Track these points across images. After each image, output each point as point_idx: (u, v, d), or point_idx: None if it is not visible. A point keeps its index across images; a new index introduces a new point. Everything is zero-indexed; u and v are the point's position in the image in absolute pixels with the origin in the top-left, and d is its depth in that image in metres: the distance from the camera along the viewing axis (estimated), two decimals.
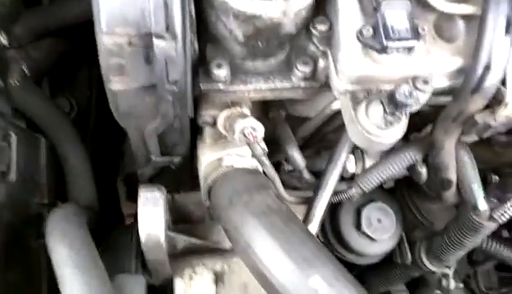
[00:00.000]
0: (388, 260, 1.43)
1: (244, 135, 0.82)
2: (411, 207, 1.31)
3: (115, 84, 0.71)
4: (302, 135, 1.02)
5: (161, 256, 0.74)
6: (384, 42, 0.69)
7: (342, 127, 1.01)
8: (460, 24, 0.78)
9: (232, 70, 0.80)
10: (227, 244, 0.93)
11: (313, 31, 0.79)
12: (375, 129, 0.73)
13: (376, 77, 0.76)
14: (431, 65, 0.77)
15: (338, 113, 0.94)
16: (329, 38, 0.79)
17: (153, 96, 0.74)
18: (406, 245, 1.34)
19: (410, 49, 0.71)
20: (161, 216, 0.71)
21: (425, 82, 0.75)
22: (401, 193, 1.33)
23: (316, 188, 0.98)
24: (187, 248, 0.85)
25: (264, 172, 0.88)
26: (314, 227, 0.96)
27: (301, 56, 0.82)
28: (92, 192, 1.04)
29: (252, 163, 0.89)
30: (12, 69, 0.88)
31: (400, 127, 0.75)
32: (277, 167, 1.03)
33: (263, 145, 0.88)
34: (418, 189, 1.26)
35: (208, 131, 0.94)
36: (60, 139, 1.03)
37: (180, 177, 1.12)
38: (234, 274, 0.86)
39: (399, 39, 0.69)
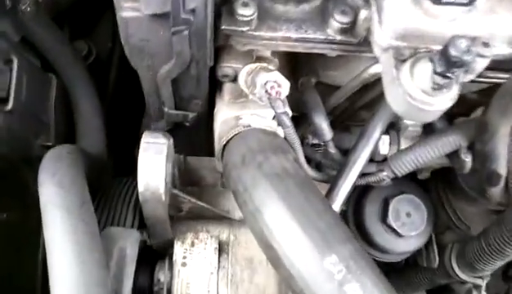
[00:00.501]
0: (413, 262, 1.30)
1: (266, 91, 0.73)
2: (446, 206, 1.18)
3: (127, 11, 0.63)
4: (332, 105, 0.92)
5: (160, 211, 0.65)
6: None
7: (377, 100, 0.91)
8: None
9: (260, 13, 0.70)
10: (237, 214, 0.84)
11: None
12: (419, 93, 0.62)
13: (426, 34, 0.64)
14: (493, 26, 0.65)
15: (374, 82, 0.83)
16: None
17: (167, 29, 0.65)
18: (435, 247, 1.21)
19: (470, 2, 0.59)
20: (162, 165, 0.63)
21: (485, 44, 0.63)
22: (436, 189, 1.20)
23: (343, 166, 0.87)
24: (193, 212, 0.76)
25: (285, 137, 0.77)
26: (335, 209, 0.85)
27: (340, 5, 0.71)
28: (100, 140, 0.97)
29: (272, 125, 0.80)
30: None
31: (450, 95, 0.63)
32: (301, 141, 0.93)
33: (287, 107, 0.78)
34: (456, 187, 1.13)
35: (227, 87, 0.85)
36: (71, 80, 0.96)
37: (195, 139, 1.03)
38: (240, 246, 0.76)
39: None
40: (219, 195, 0.88)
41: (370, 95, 0.88)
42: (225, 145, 0.79)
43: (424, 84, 0.62)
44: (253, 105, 0.82)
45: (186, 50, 0.69)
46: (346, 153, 0.95)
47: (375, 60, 0.80)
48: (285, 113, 0.73)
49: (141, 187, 0.62)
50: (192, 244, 0.72)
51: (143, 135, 0.65)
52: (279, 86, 0.73)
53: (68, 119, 1.00)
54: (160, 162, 0.63)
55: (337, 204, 0.87)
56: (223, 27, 0.70)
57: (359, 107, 0.96)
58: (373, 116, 0.89)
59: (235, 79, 0.84)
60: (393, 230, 1.08)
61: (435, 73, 0.59)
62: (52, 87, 0.92)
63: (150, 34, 0.67)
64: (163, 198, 0.63)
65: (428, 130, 0.90)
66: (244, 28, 0.70)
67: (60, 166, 0.62)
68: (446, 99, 0.63)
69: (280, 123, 0.75)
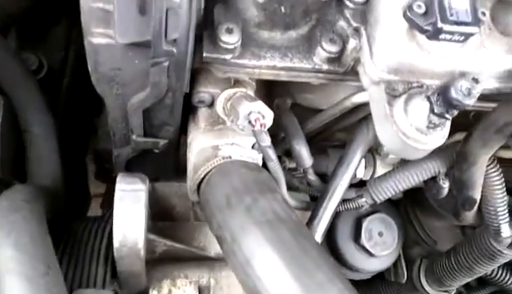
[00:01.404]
0: (379, 277, 1.31)
1: (250, 122, 0.68)
2: (414, 222, 1.20)
3: (97, 37, 0.55)
4: (309, 129, 0.88)
5: (137, 265, 0.58)
6: (439, 23, 0.56)
7: (359, 125, 0.89)
8: None
9: (243, 40, 0.65)
10: (214, 251, 0.78)
11: (347, 2, 0.65)
12: (413, 132, 0.60)
13: (419, 68, 0.63)
14: (483, 62, 0.64)
15: (357, 107, 0.80)
16: (364, 13, 0.65)
17: (144, 58, 0.58)
18: (403, 263, 1.23)
19: (467, 37, 0.58)
20: (142, 216, 0.56)
21: (475, 80, 0.62)
22: (404, 205, 1.22)
23: (323, 193, 0.85)
24: (167, 254, 0.69)
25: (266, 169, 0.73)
26: (317, 239, 0.82)
27: (327, 33, 0.67)
28: (56, 169, 0.87)
29: (253, 156, 0.75)
30: None
31: (443, 133, 0.62)
32: None
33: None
34: (424, 204, 1.15)
35: (202, 113, 0.79)
36: (21, 102, 0.85)
37: (162, 164, 0.96)
38: (222, 291, 0.70)
39: (457, 23, 0.56)
40: (193, 230, 0.81)
41: (350, 120, 0.85)
42: (203, 178, 0.73)
43: (419, 123, 0.60)
44: (231, 133, 0.76)
45: (164, 80, 0.62)
46: (323, 177, 0.93)
47: (358, 89, 0.78)
48: (270, 146, 0.68)
49: (116, 242, 0.54)
50: (169, 292, 0.65)
51: (117, 181, 0.58)
52: (263, 117, 0.68)
53: (15, 145, 0.89)
54: (139, 213, 0.56)
55: (319, 234, 0.84)
56: (205, 55, 0.64)
57: (336, 130, 0.93)
58: (352, 141, 0.87)
59: (211, 104, 0.78)
60: (366, 250, 1.07)
61: (433, 113, 0.57)
62: None
63: (124, 63, 0.59)
64: (142, 252, 0.57)
65: None
66: (227, 56, 0.64)
67: (16, 220, 0.53)
68: (439, 137, 0.62)
69: (264, 157, 0.70)
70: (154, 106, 0.70)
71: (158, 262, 0.70)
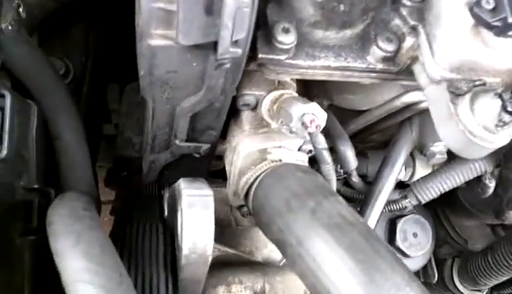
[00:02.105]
0: None
1: (304, 124, 0.65)
2: (444, 222, 1.18)
3: (156, 39, 0.53)
4: (351, 130, 0.86)
5: (202, 272, 0.56)
6: (510, 19, 0.54)
7: (402, 125, 0.87)
8: None
9: (297, 40, 0.63)
10: (261, 256, 0.76)
11: (403, 0, 0.63)
12: (481, 130, 0.58)
13: (482, 66, 0.61)
14: None
15: (403, 108, 0.79)
16: (421, 11, 0.63)
17: (202, 60, 0.56)
18: (433, 263, 1.22)
19: None
20: (211, 223, 0.53)
21: None
22: (434, 205, 1.20)
23: (368, 196, 0.83)
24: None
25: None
26: None
27: (383, 31, 0.65)
28: (91, 177, 0.84)
29: (303, 159, 0.73)
30: (6, 8, 0.66)
31: (509, 132, 0.60)
32: None
33: None
34: (454, 203, 1.13)
35: (247, 116, 0.77)
36: (53, 108, 0.82)
37: (196, 169, 0.94)
38: None
39: None
40: (238, 235, 0.79)
41: (393, 120, 0.84)
42: (252, 182, 0.71)
43: (488, 121, 0.58)
44: (277, 136, 0.74)
45: (220, 83, 0.60)
46: (364, 180, 0.91)
47: (404, 88, 0.76)
48: (327, 148, 0.66)
49: (186, 249, 0.52)
50: None
51: (181, 186, 0.55)
52: (317, 118, 0.66)
53: (47, 153, 0.86)
54: (209, 220, 0.54)
55: None
56: (260, 55, 0.61)
57: (374, 131, 0.92)
58: (395, 142, 0.85)
59: (255, 107, 0.76)
60: (401, 251, 1.05)
61: (505, 111, 0.55)
62: (33, 117, 0.77)
63: (181, 66, 0.57)
64: (210, 259, 0.54)
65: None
66: (283, 57, 0.62)
67: (82, 230, 0.50)
68: (506, 135, 0.60)
69: (319, 160, 0.68)
70: (203, 110, 0.67)
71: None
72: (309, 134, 0.65)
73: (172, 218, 0.79)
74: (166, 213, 1.05)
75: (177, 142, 0.76)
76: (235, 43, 0.53)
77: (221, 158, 0.98)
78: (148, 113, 0.71)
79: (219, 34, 0.50)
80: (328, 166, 0.68)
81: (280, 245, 0.60)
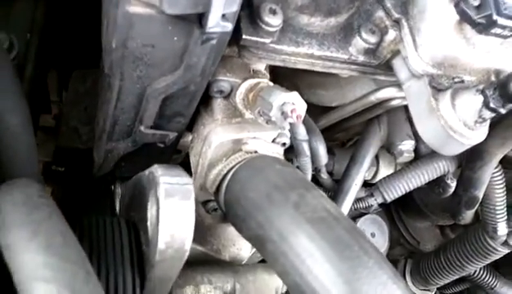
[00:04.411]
0: None
1: (283, 113, 0.62)
2: (398, 224, 1.21)
3: (137, 6, 0.47)
4: (321, 126, 0.85)
5: (175, 270, 0.50)
6: (494, 16, 0.55)
7: (371, 122, 0.87)
8: None
9: (282, 24, 0.59)
10: (228, 254, 0.71)
11: None
12: (461, 126, 0.58)
13: (461, 63, 0.62)
14: None
15: (373, 106, 0.78)
16: (404, 4, 0.63)
17: (184, 35, 0.51)
18: None
19: None
20: (192, 214, 0.48)
21: None
22: (388, 208, 1.23)
23: (337, 193, 0.81)
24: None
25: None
26: None
27: (366, 23, 0.64)
28: (36, 164, 0.75)
29: (278, 151, 0.69)
30: None
31: (485, 129, 0.61)
32: None
33: None
34: (408, 205, 1.17)
35: (219, 104, 0.72)
36: None
37: (156, 160, 0.87)
38: None
39: (510, 17, 0.55)
40: (204, 233, 0.74)
41: (363, 118, 0.83)
42: (225, 175, 0.66)
43: (468, 117, 0.59)
44: (252, 127, 0.70)
45: (202, 62, 0.55)
46: (330, 177, 0.90)
47: (377, 85, 0.76)
48: (307, 140, 0.63)
49: (162, 244, 0.46)
50: None
51: (157, 172, 0.49)
52: (297, 108, 0.63)
53: None
54: (189, 211, 0.48)
55: None
56: (244, 37, 0.57)
57: (343, 128, 0.91)
58: (364, 139, 0.85)
59: (228, 95, 0.72)
60: None
61: (487, 107, 0.56)
62: None
63: (160, 39, 0.51)
64: (186, 255, 0.49)
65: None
66: (267, 40, 0.59)
67: (41, 218, 0.42)
68: (482, 132, 0.61)
69: (298, 152, 0.65)
70: (176, 93, 0.62)
71: None
72: (290, 124, 0.62)
73: (129, 213, 0.72)
74: (118, 210, 0.97)
75: (141, 128, 0.69)
76: (223, 17, 0.49)
77: (179, 151, 0.92)
78: (111, 93, 0.64)
79: (210, 5, 0.45)
80: (306, 158, 0.65)
81: (259, 241, 0.56)
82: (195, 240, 0.73)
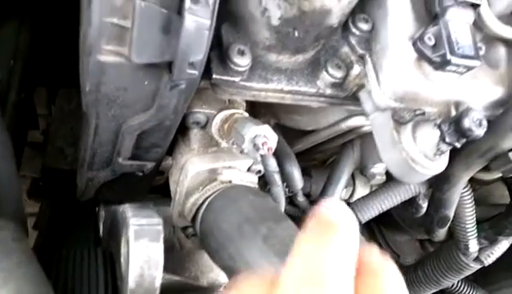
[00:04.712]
0: None
1: (255, 145, 0.65)
2: (378, 237, 1.24)
3: (106, 55, 0.49)
4: (297, 150, 0.88)
5: None
6: (448, 55, 0.58)
7: (345, 146, 0.90)
8: (503, 50, 0.71)
9: (251, 62, 0.62)
10: (207, 281, 0.74)
11: (353, 29, 0.66)
12: (422, 158, 0.62)
13: (422, 96, 0.65)
14: (475, 92, 0.68)
15: (346, 131, 0.82)
16: (368, 41, 0.66)
17: (155, 79, 0.54)
18: None
19: (469, 69, 0.61)
20: (160, 255, 0.50)
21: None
22: (368, 222, 1.26)
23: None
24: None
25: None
26: None
27: (332, 58, 0.67)
28: (18, 198, 0.77)
29: (252, 180, 0.72)
30: None
31: (445, 159, 0.64)
32: None
33: None
34: (387, 220, 1.20)
35: (195, 134, 0.75)
36: None
37: (136, 187, 0.89)
38: None
39: (464, 56, 0.59)
40: (182, 259, 0.76)
41: (337, 142, 0.86)
42: (200, 205, 0.69)
43: (428, 149, 0.62)
44: (227, 156, 0.74)
45: (173, 103, 0.57)
46: (308, 198, 0.92)
47: (349, 112, 0.79)
48: (278, 171, 0.66)
49: (132, 283, 0.48)
50: None
51: (128, 213, 0.51)
52: (268, 140, 0.66)
53: None
54: (158, 252, 0.50)
55: None
56: (214, 76, 0.60)
57: (318, 151, 0.94)
58: (338, 162, 0.88)
59: (204, 126, 0.75)
60: None
61: (443, 141, 0.59)
62: None
63: (131, 84, 0.54)
64: (157, 292, 0.51)
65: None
66: (237, 79, 0.62)
67: (9, 267, 0.44)
68: (442, 163, 0.64)
69: (270, 182, 0.68)
70: (151, 128, 0.64)
71: None
72: (261, 156, 0.65)
73: (109, 241, 0.74)
74: (101, 233, 0.99)
75: (119, 160, 0.72)
76: (191, 65, 0.51)
77: (162, 172, 0.95)
78: (89, 128, 0.66)
79: (176, 56, 0.48)
80: (278, 188, 0.68)
81: (230, 272, 0.58)
82: (172, 270, 0.76)
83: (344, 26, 0.66)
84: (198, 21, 0.47)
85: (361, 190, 0.97)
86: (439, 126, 0.60)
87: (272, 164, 0.65)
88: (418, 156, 0.62)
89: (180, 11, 0.47)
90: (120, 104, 0.57)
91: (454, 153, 0.80)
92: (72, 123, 1.26)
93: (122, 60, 0.50)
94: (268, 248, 0.55)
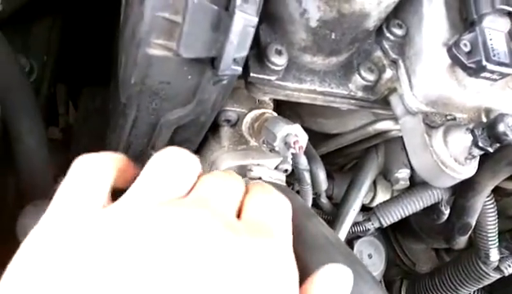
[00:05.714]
0: None
1: (287, 144, 0.67)
2: (395, 245, 1.25)
3: (155, 49, 0.51)
4: (321, 152, 0.89)
5: None
6: (484, 62, 0.59)
7: (369, 151, 0.91)
8: None
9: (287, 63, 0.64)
10: None
11: (387, 34, 0.67)
12: (452, 162, 0.63)
13: (454, 102, 0.66)
14: (507, 100, 0.69)
15: (371, 136, 0.83)
16: (401, 46, 0.68)
17: (198, 74, 0.55)
18: (383, 284, 1.27)
19: (503, 76, 0.62)
20: None
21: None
22: (385, 229, 1.27)
23: (335, 217, 0.85)
24: None
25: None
26: None
27: (365, 61, 0.69)
28: (49, 185, 0.79)
29: (280, 178, 0.74)
30: None
31: (475, 164, 0.65)
32: None
33: None
34: (404, 227, 1.20)
35: (226, 132, 0.77)
36: (17, 108, 0.77)
37: None
38: None
39: (499, 63, 0.60)
40: None
41: (362, 146, 0.88)
42: None
43: (459, 154, 0.63)
44: (256, 154, 0.75)
45: (212, 98, 0.59)
46: (330, 201, 0.94)
47: (376, 116, 0.80)
48: (308, 169, 0.67)
49: None
50: None
51: None
52: (300, 139, 0.67)
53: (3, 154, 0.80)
54: None
55: None
56: (252, 74, 0.62)
57: (342, 155, 0.95)
58: (362, 166, 0.89)
59: (235, 124, 0.76)
60: None
61: (476, 146, 0.60)
62: None
63: (176, 78, 0.56)
64: None
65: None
66: (273, 77, 0.63)
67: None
68: (473, 167, 0.65)
69: (300, 180, 0.70)
70: (187, 123, 0.66)
71: None
72: (292, 154, 0.66)
73: None
74: None
75: (152, 153, 0.73)
76: (234, 61, 0.53)
77: None
78: (126, 121, 0.68)
79: (223, 51, 0.50)
80: (307, 186, 0.69)
81: None
82: None
83: (378, 31, 0.68)
84: (246, 18, 0.48)
85: (382, 196, 0.98)
86: (472, 131, 0.61)
87: (303, 162, 0.67)
88: (449, 160, 0.63)
89: (228, 7, 0.49)
90: (162, 97, 0.59)
91: (482, 161, 0.81)
92: (96, 121, 1.28)
93: (169, 54, 0.52)
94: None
